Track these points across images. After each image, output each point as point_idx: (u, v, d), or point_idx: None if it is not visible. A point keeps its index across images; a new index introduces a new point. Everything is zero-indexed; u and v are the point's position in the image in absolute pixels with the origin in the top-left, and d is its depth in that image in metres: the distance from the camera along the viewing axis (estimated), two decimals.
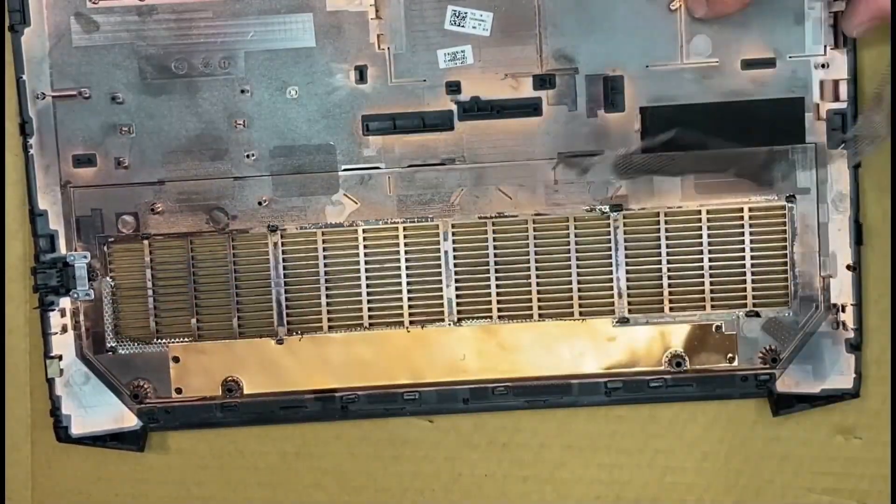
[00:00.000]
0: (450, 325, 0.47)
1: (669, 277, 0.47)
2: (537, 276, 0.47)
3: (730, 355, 0.47)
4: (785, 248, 0.47)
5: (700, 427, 0.49)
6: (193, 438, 0.49)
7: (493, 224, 0.47)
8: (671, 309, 0.47)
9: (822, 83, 0.46)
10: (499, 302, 0.47)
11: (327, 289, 0.47)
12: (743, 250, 0.47)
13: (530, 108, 0.46)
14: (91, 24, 0.46)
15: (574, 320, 0.47)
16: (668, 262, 0.47)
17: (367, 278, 0.47)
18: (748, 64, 0.46)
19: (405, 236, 0.47)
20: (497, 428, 0.49)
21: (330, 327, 0.47)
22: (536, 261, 0.47)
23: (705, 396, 0.48)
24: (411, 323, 0.47)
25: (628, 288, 0.47)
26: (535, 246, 0.47)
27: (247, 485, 0.49)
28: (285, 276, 0.47)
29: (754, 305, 0.47)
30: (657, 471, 0.49)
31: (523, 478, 0.49)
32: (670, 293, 0.47)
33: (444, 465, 0.49)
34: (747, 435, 0.49)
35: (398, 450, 0.49)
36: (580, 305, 0.47)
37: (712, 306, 0.47)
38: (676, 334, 0.47)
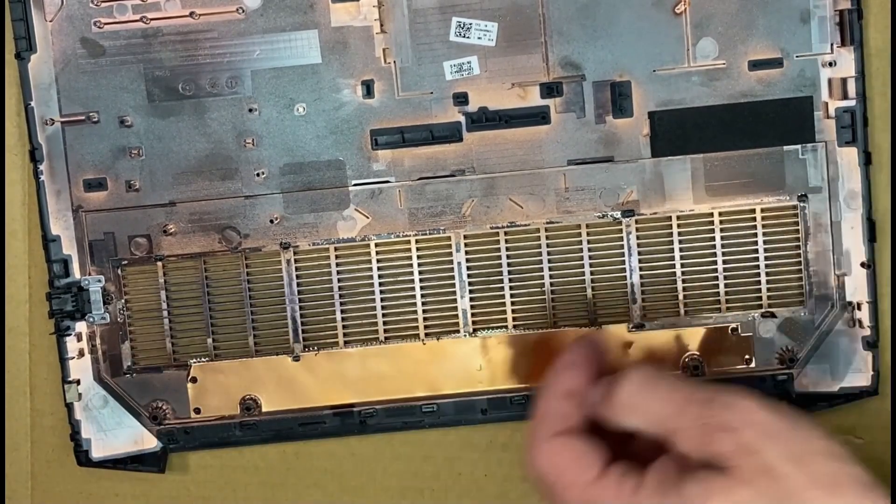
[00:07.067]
0: (465, 335, 0.47)
1: (684, 281, 0.47)
2: (551, 284, 0.47)
3: (747, 357, 0.47)
4: (798, 247, 0.47)
5: None
6: None
7: (506, 233, 0.47)
8: (686, 312, 0.47)
9: (830, 81, 0.46)
10: (513, 311, 0.47)
11: (342, 304, 0.47)
12: (756, 251, 0.47)
13: (538, 116, 0.46)
14: (97, 48, 0.46)
15: (590, 327, 0.47)
16: (682, 265, 0.47)
17: (381, 292, 0.47)
18: (755, 65, 0.46)
19: (417, 249, 0.47)
20: (497, 428, 0.49)
21: (345, 342, 0.47)
22: (550, 269, 0.47)
23: None
24: (427, 335, 0.47)
25: (643, 293, 0.47)
26: (548, 254, 0.47)
27: (247, 484, 0.49)
28: (299, 292, 0.47)
29: (770, 306, 0.47)
30: None
31: (523, 477, 0.49)
32: (685, 297, 0.47)
33: (444, 465, 0.49)
34: None
35: (398, 450, 0.49)
36: (596, 312, 0.47)
37: (727, 308, 0.47)
38: (693, 338, 0.47)
